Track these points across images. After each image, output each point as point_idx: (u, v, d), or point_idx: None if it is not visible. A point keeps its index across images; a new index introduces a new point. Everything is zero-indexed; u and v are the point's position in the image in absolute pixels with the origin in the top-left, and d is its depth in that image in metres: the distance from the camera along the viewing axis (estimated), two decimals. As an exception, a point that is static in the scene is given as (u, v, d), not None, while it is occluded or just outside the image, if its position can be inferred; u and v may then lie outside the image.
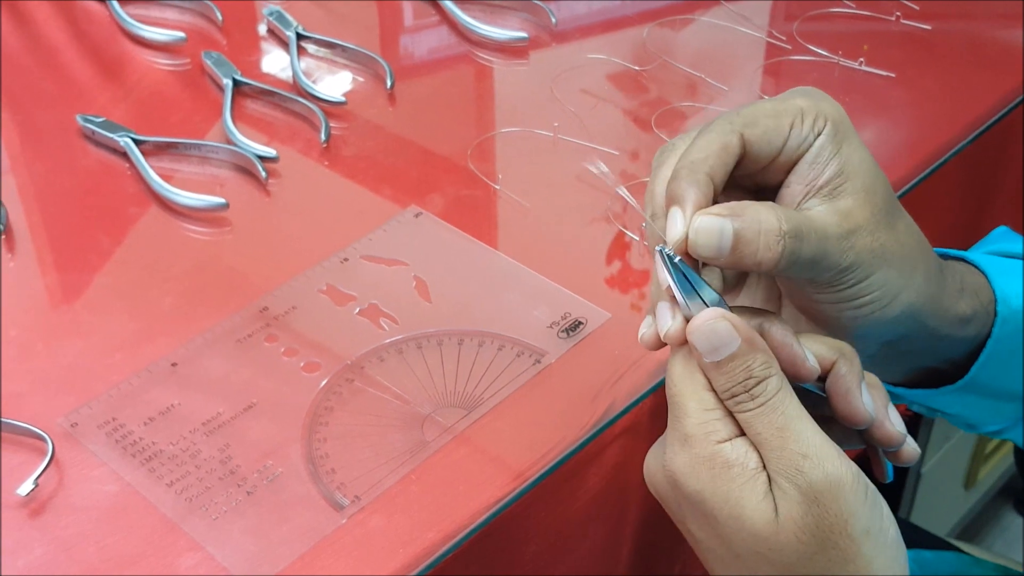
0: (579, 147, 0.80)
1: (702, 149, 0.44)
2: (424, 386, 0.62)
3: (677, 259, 0.44)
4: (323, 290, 0.69)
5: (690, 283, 0.44)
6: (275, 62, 0.91)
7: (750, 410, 0.43)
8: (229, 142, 0.80)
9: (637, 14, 0.96)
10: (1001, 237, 0.60)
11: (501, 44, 0.92)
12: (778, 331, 0.45)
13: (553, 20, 0.93)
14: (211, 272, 0.71)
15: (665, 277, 0.44)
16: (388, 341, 0.65)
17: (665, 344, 0.46)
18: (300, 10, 0.95)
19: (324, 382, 0.62)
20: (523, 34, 0.91)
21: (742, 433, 0.44)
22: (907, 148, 0.80)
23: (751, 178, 0.47)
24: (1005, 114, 0.84)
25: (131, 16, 0.93)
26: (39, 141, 0.83)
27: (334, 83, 0.88)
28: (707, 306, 0.44)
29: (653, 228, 0.46)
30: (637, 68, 0.88)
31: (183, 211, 0.75)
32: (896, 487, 1.19)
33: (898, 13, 0.93)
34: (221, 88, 0.85)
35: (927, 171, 0.79)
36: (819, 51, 0.89)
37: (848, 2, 0.94)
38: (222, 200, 0.74)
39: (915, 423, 1.14)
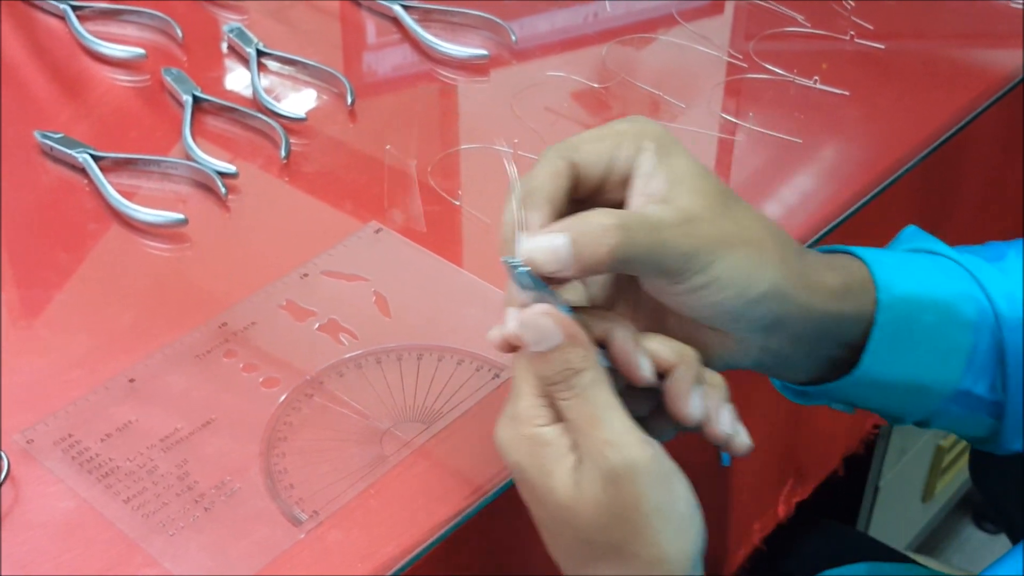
0: (539, 164, 0.81)
1: (535, 178, 0.50)
2: (383, 401, 0.62)
3: (523, 270, 0.49)
4: (283, 305, 0.69)
5: (541, 292, 0.49)
6: (236, 79, 0.91)
7: (566, 399, 0.48)
8: (189, 158, 0.80)
9: (597, 33, 0.97)
10: (912, 236, 0.62)
11: (462, 62, 0.92)
12: (620, 337, 0.50)
13: (513, 38, 0.93)
14: (170, 288, 0.71)
15: (512, 287, 0.50)
16: (348, 356, 0.65)
17: (512, 346, 0.51)
18: (262, 28, 0.95)
19: (283, 397, 0.62)
20: (484, 52, 0.92)
21: (561, 419, 0.49)
22: (862, 164, 0.81)
23: (593, 201, 0.51)
24: (957, 131, 0.86)
25: (91, 32, 0.93)
26: (-3, 157, 0.82)
27: (295, 100, 0.88)
28: None
29: (506, 252, 0.50)
30: (596, 86, 0.89)
31: (142, 227, 0.75)
32: (853, 500, 1.20)
33: (852, 32, 0.94)
34: (181, 104, 0.85)
35: (881, 187, 0.80)
36: (775, 70, 0.90)
37: (803, 22, 0.96)
38: (181, 216, 0.74)
39: (873, 439, 1.15)
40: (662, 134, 0.51)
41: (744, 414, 0.82)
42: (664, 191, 0.50)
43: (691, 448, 0.54)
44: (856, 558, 0.89)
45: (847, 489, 1.20)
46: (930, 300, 0.56)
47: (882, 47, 0.93)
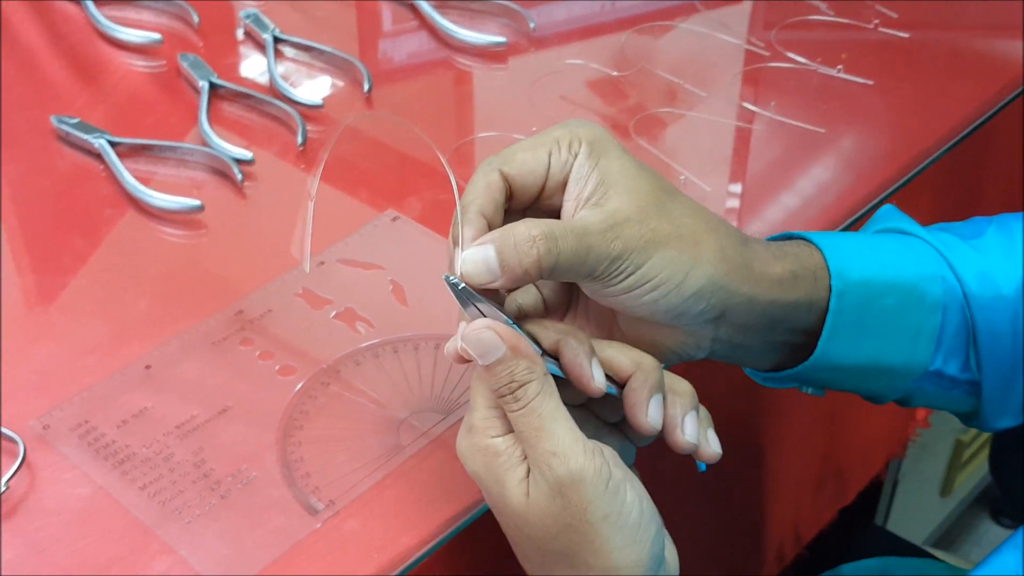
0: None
1: (469, 193, 0.51)
2: (400, 390, 0.62)
3: (461, 286, 0.49)
4: (299, 294, 0.68)
5: (481, 306, 0.49)
6: (252, 65, 0.90)
7: (514, 411, 0.48)
8: (205, 144, 0.79)
9: (616, 20, 0.96)
10: (886, 216, 0.63)
11: (480, 49, 0.92)
12: (570, 349, 0.50)
13: (532, 25, 0.93)
14: (186, 275, 0.71)
15: (457, 300, 0.50)
16: (364, 345, 0.65)
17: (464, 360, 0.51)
18: (278, 13, 0.94)
19: (300, 386, 0.62)
20: (502, 39, 0.91)
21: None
22: (885, 156, 0.80)
23: (536, 209, 0.52)
24: (982, 123, 0.85)
25: (107, 17, 0.92)
26: (12, 142, 0.82)
27: (311, 87, 0.88)
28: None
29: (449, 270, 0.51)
30: (616, 74, 0.88)
31: (158, 213, 0.74)
32: (872, 494, 1.19)
33: (877, 21, 0.93)
34: (197, 90, 0.85)
35: (904, 179, 0.79)
36: (797, 58, 0.89)
37: (827, 10, 0.95)
38: (197, 202, 0.73)
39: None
40: (597, 136, 0.51)
41: (781, 424, 0.82)
42: (597, 195, 0.50)
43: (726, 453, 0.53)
44: (874, 553, 0.89)
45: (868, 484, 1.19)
46: (890, 283, 0.56)
47: (907, 36, 0.92)
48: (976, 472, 1.46)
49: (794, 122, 0.83)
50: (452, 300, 0.68)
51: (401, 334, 0.65)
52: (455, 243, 0.50)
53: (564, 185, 0.51)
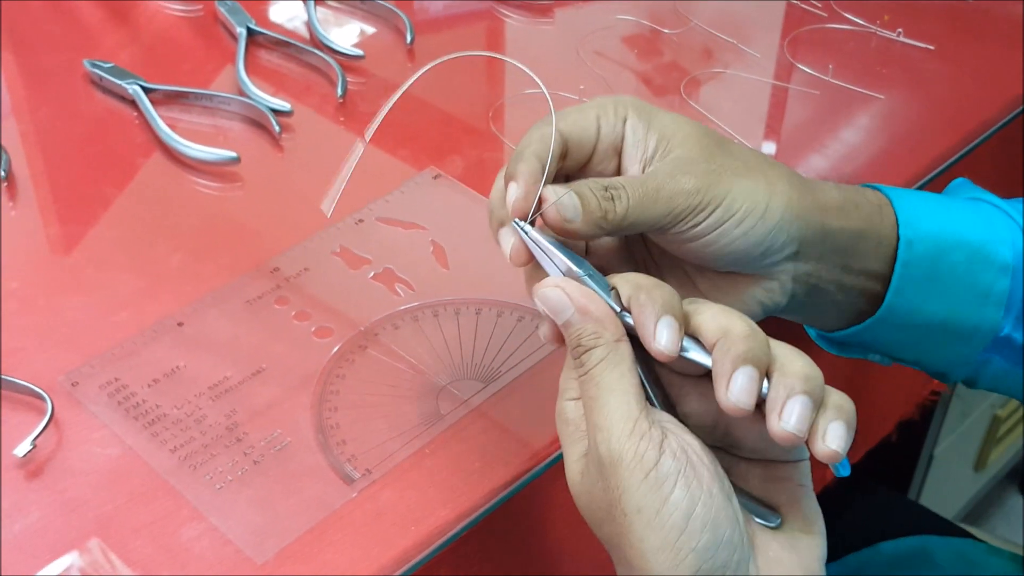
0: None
1: (523, 143, 0.49)
2: (440, 356, 0.60)
3: (529, 230, 0.47)
4: (337, 252, 0.66)
5: (552, 255, 0.47)
6: (290, 12, 0.88)
7: (579, 377, 0.46)
8: (242, 94, 0.77)
9: (666, -25, 0.93)
10: (959, 188, 0.62)
11: (527, 2, 0.88)
12: (637, 304, 0.45)
13: (580, -22, 0.90)
14: (220, 229, 0.69)
15: (531, 248, 0.48)
16: (403, 308, 0.63)
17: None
18: (318, -42, 0.91)
19: (336, 348, 0.60)
20: (549, -9, 0.88)
21: None
22: (945, 124, 0.77)
23: (585, 174, 0.51)
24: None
25: (142, -42, 0.90)
26: (44, 85, 0.80)
27: (352, 36, 0.85)
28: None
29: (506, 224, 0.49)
30: (667, 31, 0.85)
31: (192, 164, 0.72)
32: (907, 468, 1.18)
33: (938, -17, 0.90)
34: (234, 37, 0.82)
35: (966, 149, 0.76)
36: (856, 20, 0.85)
37: (886, -30, 0.91)
38: (233, 154, 0.71)
39: (931, 405, 1.12)
40: (638, 102, 0.51)
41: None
42: (660, 152, 0.50)
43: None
44: (907, 528, 0.87)
45: (901, 456, 1.17)
46: (959, 239, 0.55)
47: (970, 0, 0.88)
48: (1010, 447, 1.44)
49: (853, 87, 0.79)
50: (495, 265, 0.65)
51: (441, 298, 0.63)
52: (509, 187, 0.48)
53: (615, 151, 0.51)
